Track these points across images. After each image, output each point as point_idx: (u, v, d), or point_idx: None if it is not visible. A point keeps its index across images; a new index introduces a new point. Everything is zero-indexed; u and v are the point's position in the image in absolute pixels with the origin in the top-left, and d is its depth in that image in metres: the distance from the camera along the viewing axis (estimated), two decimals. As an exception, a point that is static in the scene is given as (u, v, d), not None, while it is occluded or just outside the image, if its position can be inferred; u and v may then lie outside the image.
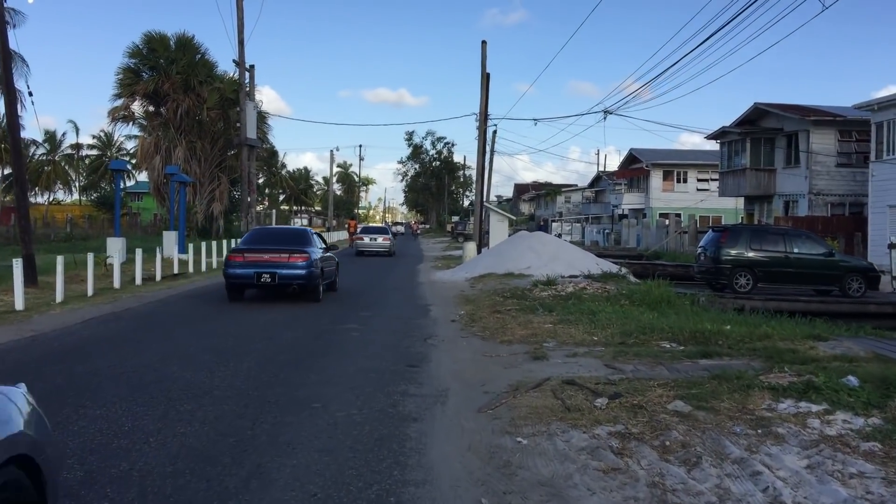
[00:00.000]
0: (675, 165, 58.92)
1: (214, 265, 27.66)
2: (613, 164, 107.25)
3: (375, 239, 39.12)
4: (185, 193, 30.31)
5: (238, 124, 37.08)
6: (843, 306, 18.75)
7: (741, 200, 54.89)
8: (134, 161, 59.92)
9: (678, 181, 58.93)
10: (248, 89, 34.52)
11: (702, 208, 54.78)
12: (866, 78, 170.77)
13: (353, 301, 16.79)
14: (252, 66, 34.63)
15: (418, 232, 77.47)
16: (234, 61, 33.96)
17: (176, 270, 23.98)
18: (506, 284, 19.97)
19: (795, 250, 19.57)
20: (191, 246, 26.75)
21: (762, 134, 37.62)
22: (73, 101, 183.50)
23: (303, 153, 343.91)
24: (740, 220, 54.65)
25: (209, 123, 50.35)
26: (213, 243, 29.73)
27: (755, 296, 19.02)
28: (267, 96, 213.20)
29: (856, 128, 34.00)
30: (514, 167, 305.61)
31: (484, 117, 32.92)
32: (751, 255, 19.50)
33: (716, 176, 58.12)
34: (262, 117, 58.05)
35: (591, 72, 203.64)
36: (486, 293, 18.39)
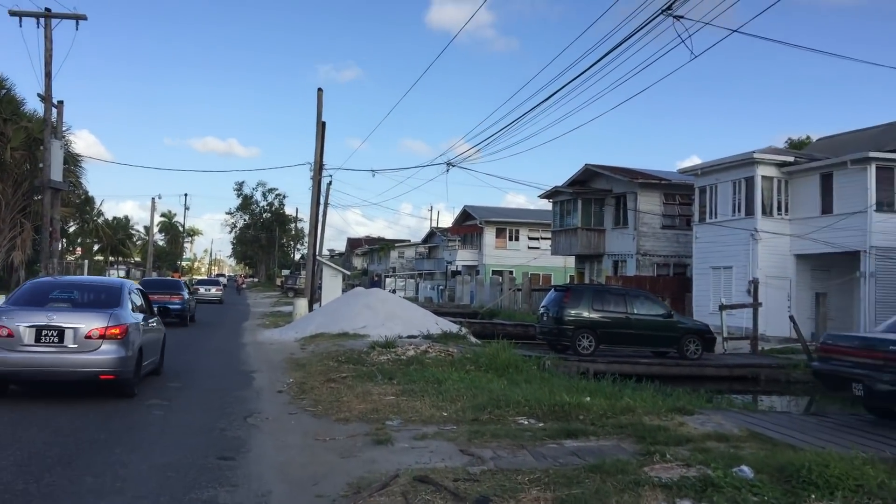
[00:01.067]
0: (508, 223, 59.83)
1: None
2: (446, 221, 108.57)
3: (210, 290, 48.24)
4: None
5: (42, 165, 33.32)
6: (682, 369, 18.60)
7: (571, 259, 56.51)
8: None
9: (510, 239, 59.78)
10: (55, 127, 31.13)
11: (533, 266, 55.63)
12: (691, 145, 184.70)
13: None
14: (61, 102, 31.25)
15: (244, 286, 72.91)
16: (39, 95, 30.53)
17: None
18: (340, 346, 18.31)
19: (636, 311, 19.33)
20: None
21: (593, 195, 38.56)
22: None
23: (123, 201, 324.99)
24: (569, 279, 56.09)
25: (12, 165, 45.37)
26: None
27: (599, 358, 18.49)
28: (85, 140, 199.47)
29: (679, 191, 35.48)
30: (347, 221, 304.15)
31: (319, 167, 31.39)
32: (593, 315, 19.03)
33: (546, 234, 59.63)
34: (73, 159, 53.32)
35: (423, 131, 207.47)
36: (318, 356, 16.64)
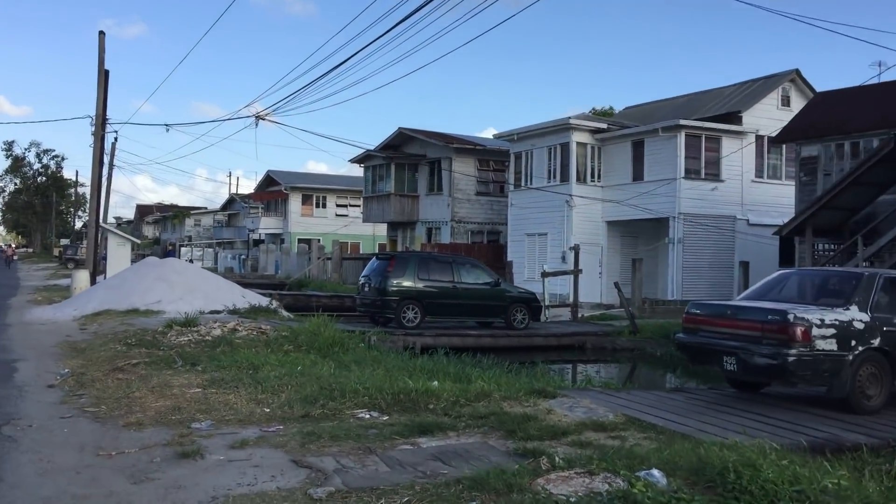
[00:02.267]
0: (315, 189, 57.45)
1: None
2: (247, 187, 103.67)
3: None
4: None
5: None
6: (511, 339, 17.78)
7: (379, 227, 55.27)
8: None
9: (318, 206, 57.50)
10: None
11: (342, 234, 53.82)
12: (497, 115, 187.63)
13: None
14: None
15: (14, 258, 64.20)
16: None
17: None
18: (130, 325, 15.69)
19: (463, 280, 18.21)
20: None
21: (406, 159, 37.34)
22: None
23: None
24: (379, 247, 55.00)
25: None
26: None
27: (425, 331, 17.22)
28: None
29: (494, 157, 35.10)
30: (137, 186, 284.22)
31: (102, 121, 27.59)
32: (419, 285, 17.68)
33: (356, 201, 57.96)
34: None
35: (218, 94, 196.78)
36: (102, 338, 14.02)
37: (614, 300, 28.87)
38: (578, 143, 28.55)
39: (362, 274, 19.06)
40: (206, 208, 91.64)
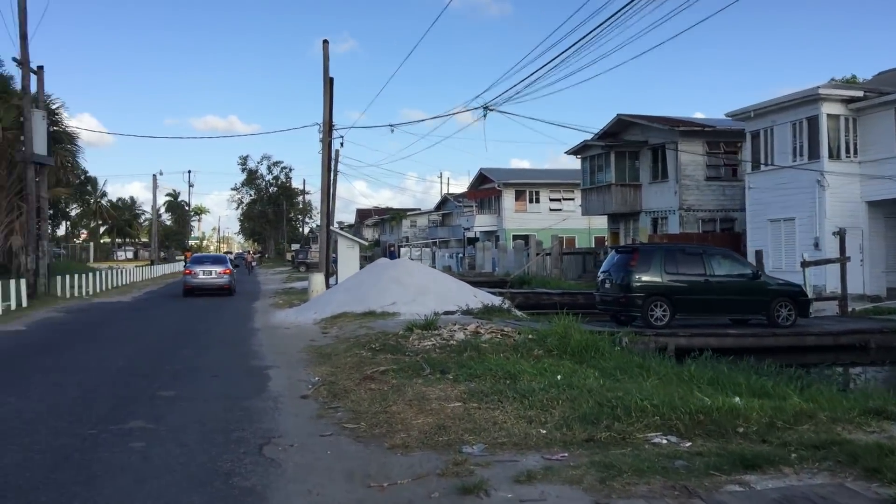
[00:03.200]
0: (528, 185, 56.72)
1: (14, 306, 21.50)
2: (457, 188, 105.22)
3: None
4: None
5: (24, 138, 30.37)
6: (779, 339, 15.62)
7: (595, 220, 53.46)
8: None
9: (531, 201, 56.72)
10: (35, 98, 28.18)
11: (557, 229, 52.58)
12: (728, 93, 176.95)
13: (153, 366, 11.68)
14: (41, 68, 28.43)
15: (254, 264, 67.37)
16: (14, 60, 27.53)
17: None
18: (369, 328, 15.45)
19: (716, 272, 16.30)
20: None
21: (627, 147, 35.40)
22: None
23: (129, 182, 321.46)
24: (594, 241, 53.16)
25: (5, 145, 42.55)
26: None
27: (678, 331, 15.55)
28: (87, 123, 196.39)
29: (724, 139, 32.38)
30: (353, 192, 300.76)
31: (328, 127, 28.33)
32: (666, 280, 16.03)
33: (569, 195, 56.62)
34: (68, 137, 50.54)
35: (424, 102, 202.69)
36: (345, 343, 13.78)
37: (880, 290, 25.38)
38: (829, 116, 25.33)
39: (601, 269, 17.68)
40: (419, 209, 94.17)
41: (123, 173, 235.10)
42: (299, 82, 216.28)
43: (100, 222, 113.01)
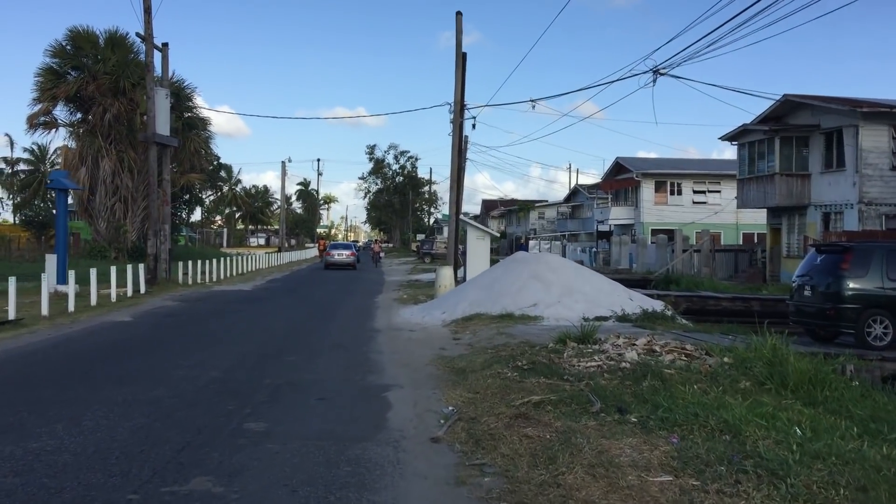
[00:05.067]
0: (669, 175, 52.45)
1: (115, 297, 20.41)
2: (585, 180, 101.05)
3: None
4: (64, 203, 22.74)
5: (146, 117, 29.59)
6: None
7: (744, 215, 48.83)
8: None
9: (671, 193, 52.48)
10: (159, 75, 27.21)
11: (700, 223, 48.33)
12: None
13: (250, 378, 9.51)
14: (165, 45, 27.30)
15: (381, 254, 59.49)
16: (137, 35, 26.61)
17: (45, 310, 16.74)
18: (509, 336, 12.86)
19: (959, 280, 12.71)
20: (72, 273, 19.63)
21: (794, 132, 31.14)
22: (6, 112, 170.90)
23: (263, 172, 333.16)
24: (742, 238, 48.55)
25: (143, 131, 42.94)
26: (112, 269, 22.07)
27: (908, 355, 12.13)
28: (225, 116, 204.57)
29: (916, 122, 27.70)
30: (477, 185, 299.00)
31: (460, 107, 25.92)
32: (889, 289, 12.60)
33: (714, 187, 52.09)
34: (202, 122, 50.70)
35: (552, 86, 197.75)
36: (482, 354, 11.24)
37: None
38: None
39: (797, 273, 14.33)
40: (546, 201, 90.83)
41: (256, 161, 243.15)
42: (425, 74, 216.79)
43: (234, 208, 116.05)
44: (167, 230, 27.17)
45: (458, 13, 26.07)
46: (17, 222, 75.64)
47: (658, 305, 16.07)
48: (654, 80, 17.34)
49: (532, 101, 24.21)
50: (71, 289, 18.47)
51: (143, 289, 23.41)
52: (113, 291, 20.84)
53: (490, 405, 7.93)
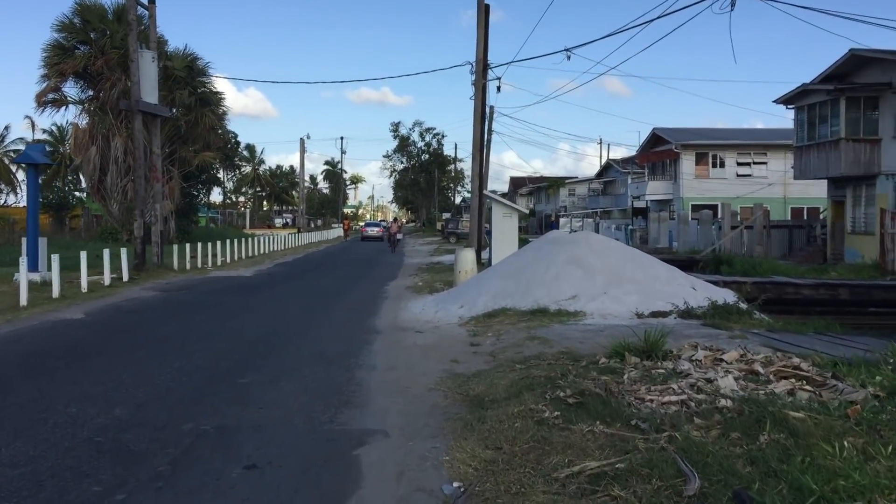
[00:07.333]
0: (711, 146, 48.76)
1: (86, 287, 17.75)
2: (616, 154, 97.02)
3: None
4: (35, 180, 19.98)
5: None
6: None
7: (792, 188, 45.21)
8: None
9: (714, 166, 48.81)
10: (145, 34, 24.32)
11: (746, 198, 44.71)
12: None
13: (171, 418, 6.56)
14: (152, 1, 24.36)
15: (399, 236, 48.58)
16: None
17: (24, 300, 14.17)
18: (543, 342, 9.79)
19: None
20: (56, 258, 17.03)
21: (862, 91, 27.53)
22: (22, 93, 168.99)
23: (292, 153, 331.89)
24: (791, 214, 44.98)
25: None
26: (83, 254, 19.27)
27: None
28: (252, 97, 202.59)
29: None
30: (504, 162, 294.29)
31: (483, 66, 22.73)
32: None
33: (759, 158, 48.36)
34: (215, 98, 47.96)
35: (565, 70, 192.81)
36: (508, 373, 8.18)
37: None
38: None
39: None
40: (577, 178, 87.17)
41: (279, 140, 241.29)
42: (449, 54, 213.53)
43: (258, 189, 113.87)
44: (158, 210, 24.39)
45: (480, -41, 22.81)
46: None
47: (728, 296, 12.88)
48: (732, 7, 13.88)
49: (567, 50, 20.82)
50: (27, 277, 15.77)
51: (125, 276, 20.70)
52: (83, 280, 18.09)
53: (518, 477, 4.94)
